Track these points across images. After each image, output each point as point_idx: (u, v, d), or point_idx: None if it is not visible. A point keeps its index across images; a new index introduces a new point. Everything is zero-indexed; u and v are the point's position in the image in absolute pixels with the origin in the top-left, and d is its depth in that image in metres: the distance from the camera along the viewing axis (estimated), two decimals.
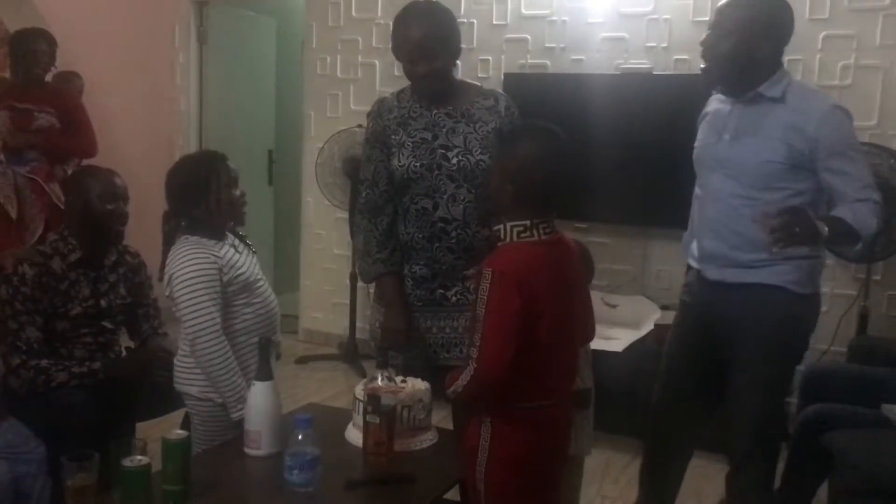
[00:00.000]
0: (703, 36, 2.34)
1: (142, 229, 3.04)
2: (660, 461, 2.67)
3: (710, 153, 2.36)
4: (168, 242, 2.43)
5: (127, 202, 2.71)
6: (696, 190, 2.46)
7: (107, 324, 2.73)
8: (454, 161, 2.31)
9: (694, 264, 2.51)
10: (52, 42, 4.13)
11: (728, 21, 2.26)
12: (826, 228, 2.04)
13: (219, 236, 2.44)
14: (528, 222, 1.86)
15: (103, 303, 2.70)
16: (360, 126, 4.70)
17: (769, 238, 1.96)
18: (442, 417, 2.52)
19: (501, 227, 1.89)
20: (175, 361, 2.46)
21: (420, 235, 2.38)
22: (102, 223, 2.64)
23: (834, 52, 3.80)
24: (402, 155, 2.35)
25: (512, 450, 1.87)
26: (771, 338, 2.30)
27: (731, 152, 2.29)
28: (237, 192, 2.47)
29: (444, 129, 2.36)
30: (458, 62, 2.43)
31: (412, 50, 2.32)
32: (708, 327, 2.45)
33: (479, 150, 2.33)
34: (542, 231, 1.87)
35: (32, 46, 4.06)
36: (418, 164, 2.34)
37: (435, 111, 2.38)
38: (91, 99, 4.71)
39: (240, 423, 2.21)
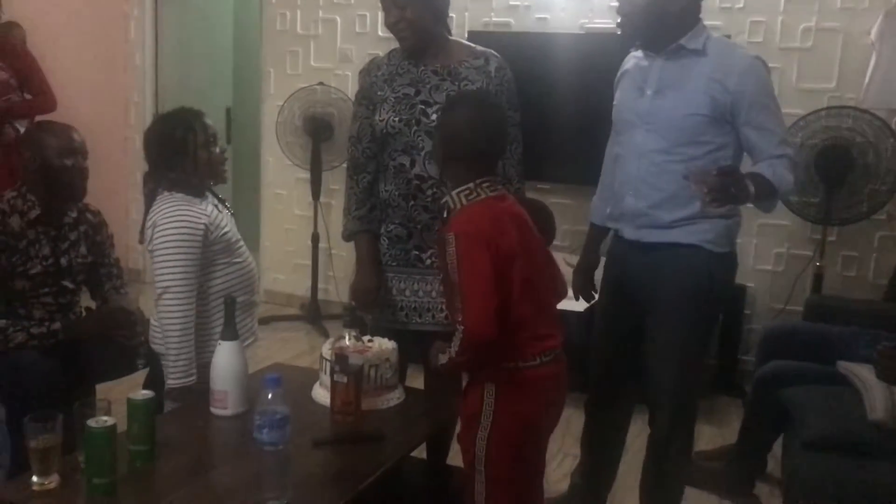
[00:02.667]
0: None
1: (100, 188, 2.97)
2: (598, 424, 2.64)
3: (631, 108, 2.32)
4: (150, 203, 2.38)
5: (86, 157, 2.65)
6: (615, 149, 2.43)
7: (67, 283, 2.67)
8: (433, 117, 2.29)
9: (610, 224, 2.50)
10: None
11: None
12: (753, 188, 2.07)
13: (200, 194, 2.40)
14: (471, 185, 1.93)
15: (63, 261, 2.64)
16: (320, 84, 4.65)
17: (705, 197, 1.98)
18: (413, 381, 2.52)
19: (448, 198, 1.96)
20: (151, 321, 2.42)
21: (397, 193, 2.37)
22: (62, 179, 2.58)
23: (795, 14, 3.83)
24: (383, 109, 2.36)
25: (517, 411, 1.90)
26: (687, 297, 2.27)
27: (653, 107, 2.26)
28: (216, 150, 2.42)
29: (428, 86, 2.35)
30: (448, 18, 2.41)
31: (389, 9, 2.31)
32: (624, 287, 2.41)
33: None
34: (486, 189, 1.94)
35: None
36: (397, 119, 2.33)
37: (422, 68, 2.37)
38: (41, 55, 4.54)
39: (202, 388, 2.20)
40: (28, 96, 4.09)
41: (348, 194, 2.46)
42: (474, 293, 1.80)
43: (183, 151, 2.35)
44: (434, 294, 2.38)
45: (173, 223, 2.28)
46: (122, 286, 2.86)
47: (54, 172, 2.56)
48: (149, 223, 2.33)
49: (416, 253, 2.40)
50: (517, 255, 1.86)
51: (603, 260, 2.59)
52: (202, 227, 2.31)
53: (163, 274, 2.28)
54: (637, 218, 2.31)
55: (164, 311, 2.29)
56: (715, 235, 2.25)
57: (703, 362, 2.48)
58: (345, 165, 2.54)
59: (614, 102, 2.45)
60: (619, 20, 2.31)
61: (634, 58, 2.41)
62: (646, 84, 2.29)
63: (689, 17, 2.25)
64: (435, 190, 2.32)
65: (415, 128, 2.32)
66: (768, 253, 4.02)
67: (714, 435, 3.49)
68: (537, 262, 1.96)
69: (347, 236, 2.48)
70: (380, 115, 2.36)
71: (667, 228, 2.27)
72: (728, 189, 1.99)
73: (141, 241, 2.41)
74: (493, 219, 1.88)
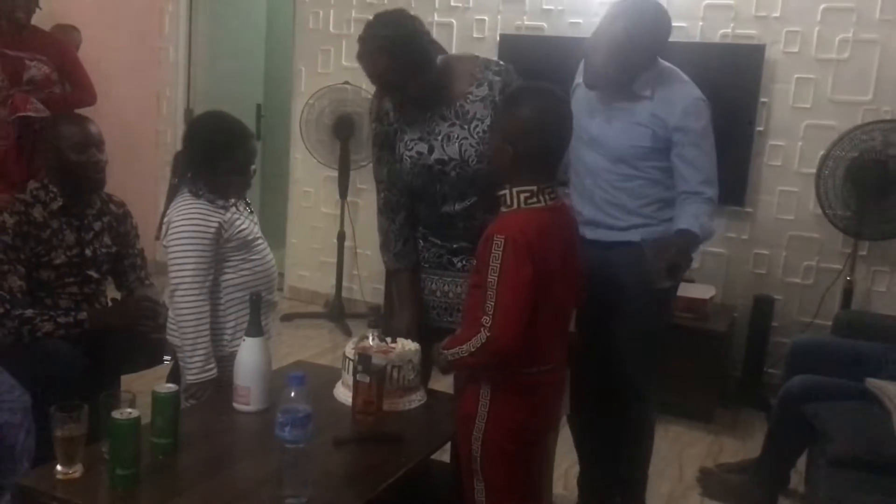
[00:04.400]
0: (587, 56, 2.49)
1: (130, 180, 3.00)
2: (587, 426, 2.69)
3: (584, 128, 2.45)
4: (171, 197, 2.41)
5: (102, 149, 2.64)
6: (571, 158, 2.49)
7: (92, 273, 2.69)
8: (453, 175, 2.29)
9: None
10: None
11: (614, 56, 2.37)
12: (695, 250, 2.34)
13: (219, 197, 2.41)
14: (534, 188, 1.84)
15: (88, 252, 2.66)
16: (347, 83, 4.65)
17: (661, 272, 2.19)
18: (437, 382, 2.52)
19: (507, 192, 1.86)
20: (168, 314, 2.44)
21: (431, 220, 2.41)
22: (77, 173, 2.59)
23: (833, 24, 3.77)
24: (403, 170, 2.34)
25: (511, 416, 1.88)
26: (644, 292, 2.39)
27: (602, 134, 2.45)
28: (247, 176, 2.45)
29: (440, 138, 2.29)
30: (432, 59, 2.28)
31: (379, 86, 2.28)
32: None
33: (476, 160, 2.27)
34: (547, 197, 1.85)
35: None
36: (419, 182, 2.33)
37: (429, 114, 2.30)
38: (83, 50, 4.62)
39: (228, 380, 2.22)
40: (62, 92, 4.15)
41: (384, 231, 2.44)
42: (509, 304, 1.76)
43: (214, 167, 2.37)
44: (464, 295, 2.36)
45: (186, 222, 2.31)
46: (147, 277, 2.87)
47: (69, 166, 2.57)
48: (166, 220, 2.37)
49: (449, 257, 2.42)
50: (555, 275, 1.82)
51: None
52: (215, 225, 2.33)
53: (175, 271, 2.32)
54: (597, 223, 2.50)
55: (177, 307, 2.33)
56: (658, 237, 2.42)
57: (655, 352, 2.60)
58: (371, 165, 2.54)
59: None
60: (583, 66, 2.51)
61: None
62: (594, 111, 2.48)
63: (649, 62, 2.41)
64: (465, 223, 2.35)
65: (437, 185, 2.32)
66: (798, 265, 3.97)
67: (737, 448, 3.46)
68: (571, 277, 1.93)
69: (388, 274, 2.57)
70: (401, 176, 2.36)
71: (623, 230, 2.47)
72: (680, 266, 2.22)
73: (157, 237, 2.43)
74: (544, 233, 1.81)
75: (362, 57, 2.21)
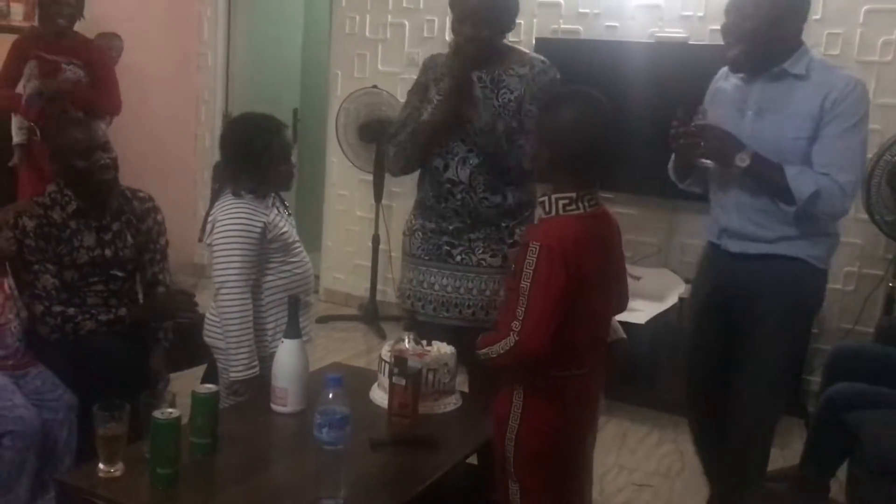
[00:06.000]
0: (723, 23, 2.33)
1: (168, 183, 3.03)
2: (707, 435, 2.64)
3: (732, 129, 2.32)
4: (214, 200, 2.44)
5: (108, 148, 2.61)
6: (714, 167, 2.42)
7: (117, 272, 2.68)
8: (468, 128, 2.39)
9: (713, 239, 2.49)
10: None
11: (750, 4, 2.25)
12: (747, 162, 2.20)
13: (263, 196, 2.44)
14: (573, 195, 1.83)
15: (108, 252, 2.64)
16: (374, 87, 4.67)
17: (697, 148, 2.20)
18: (463, 380, 2.53)
19: (546, 198, 1.86)
20: (206, 315, 2.47)
21: (432, 194, 2.51)
22: (85, 178, 2.58)
23: (876, 26, 3.71)
24: (426, 111, 2.44)
25: (544, 418, 1.88)
26: (788, 308, 2.31)
27: (755, 129, 2.29)
28: (288, 166, 2.47)
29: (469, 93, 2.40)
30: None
31: (463, 11, 2.37)
32: (722, 301, 2.44)
33: (489, 116, 2.39)
34: (587, 204, 1.84)
35: None
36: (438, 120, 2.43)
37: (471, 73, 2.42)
38: (125, 57, 4.70)
39: (265, 380, 2.24)
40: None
41: (394, 142, 2.53)
42: (540, 310, 1.76)
43: (256, 161, 2.39)
44: (462, 291, 2.50)
45: (232, 221, 2.34)
46: (162, 272, 2.81)
47: (77, 172, 2.56)
48: (210, 219, 2.40)
49: (448, 249, 2.50)
50: (591, 283, 1.82)
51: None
52: (260, 225, 2.36)
53: (220, 270, 2.34)
54: (743, 235, 2.35)
55: (222, 305, 2.35)
56: (818, 252, 2.31)
57: (788, 384, 2.48)
58: None
59: (707, 120, 2.41)
60: (728, 53, 2.33)
61: (731, 76, 2.42)
62: (746, 105, 2.32)
63: (793, 40, 2.27)
64: (464, 195, 2.43)
65: (452, 133, 2.40)
66: (838, 271, 3.89)
67: (775, 455, 3.37)
68: (608, 285, 1.92)
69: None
70: (423, 115, 2.45)
71: (771, 243, 2.31)
72: (723, 150, 2.19)
73: (200, 239, 2.46)
74: (581, 240, 1.80)
75: None
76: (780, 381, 2.40)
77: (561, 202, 1.83)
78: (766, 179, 2.23)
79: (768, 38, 2.24)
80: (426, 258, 2.54)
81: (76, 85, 4.06)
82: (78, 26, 4.17)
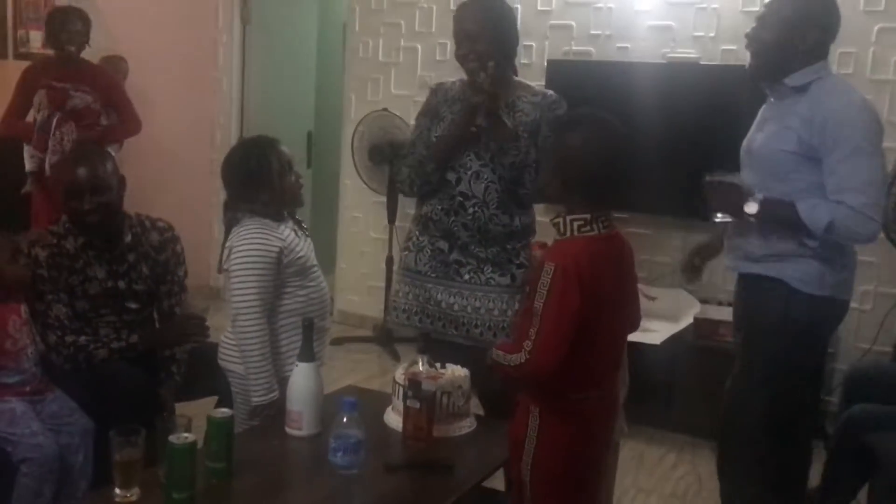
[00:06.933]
0: (749, 29, 2.36)
1: (185, 208, 3.06)
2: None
3: (744, 148, 2.38)
4: (229, 230, 2.45)
5: (96, 193, 2.51)
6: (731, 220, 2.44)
7: (130, 304, 2.66)
8: (483, 138, 2.41)
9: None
10: (86, 21, 4.16)
11: (772, 14, 2.27)
12: (755, 208, 2.21)
13: (278, 219, 2.46)
14: (588, 216, 1.83)
15: (122, 284, 2.62)
16: (385, 110, 4.70)
17: (711, 204, 2.25)
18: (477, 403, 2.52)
19: (560, 219, 1.86)
20: (222, 338, 2.48)
21: (440, 207, 2.50)
22: (77, 219, 2.55)
23: (889, 45, 3.71)
24: (440, 127, 2.49)
25: (560, 441, 1.87)
26: (759, 331, 2.31)
27: (754, 143, 2.34)
28: (292, 178, 2.47)
29: (483, 113, 2.42)
30: (515, 59, 2.56)
31: (457, 35, 2.44)
32: (735, 320, 2.52)
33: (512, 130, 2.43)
34: (601, 226, 1.84)
35: (67, 25, 4.10)
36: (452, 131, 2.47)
37: None
38: (135, 80, 4.76)
39: (279, 405, 2.25)
40: (107, 121, 4.26)
41: (409, 163, 2.56)
42: (553, 330, 1.76)
43: (259, 181, 2.40)
44: (469, 310, 2.50)
45: (248, 247, 2.35)
46: (178, 304, 2.77)
47: (68, 212, 2.56)
48: (227, 245, 2.41)
49: (456, 267, 2.50)
50: (606, 304, 1.82)
51: None
52: (276, 250, 2.36)
53: (237, 296, 2.35)
54: (736, 249, 2.38)
55: (240, 332, 2.35)
56: (802, 274, 2.26)
57: (775, 411, 2.38)
58: None
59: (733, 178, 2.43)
60: (749, 61, 2.36)
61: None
62: (760, 122, 2.37)
63: (808, 56, 2.25)
64: (476, 210, 2.44)
65: (466, 147, 2.43)
66: (855, 290, 3.85)
67: None
68: (622, 306, 1.92)
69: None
70: (436, 131, 2.49)
71: (755, 262, 2.32)
72: (730, 202, 2.20)
73: (220, 271, 2.46)
74: (596, 261, 1.80)
75: (463, 15, 2.43)
76: (761, 383, 2.37)
77: (576, 223, 1.84)
78: (781, 220, 2.23)
79: (785, 53, 2.24)
80: (433, 275, 2.54)
81: (84, 111, 4.11)
82: (93, 54, 4.23)
